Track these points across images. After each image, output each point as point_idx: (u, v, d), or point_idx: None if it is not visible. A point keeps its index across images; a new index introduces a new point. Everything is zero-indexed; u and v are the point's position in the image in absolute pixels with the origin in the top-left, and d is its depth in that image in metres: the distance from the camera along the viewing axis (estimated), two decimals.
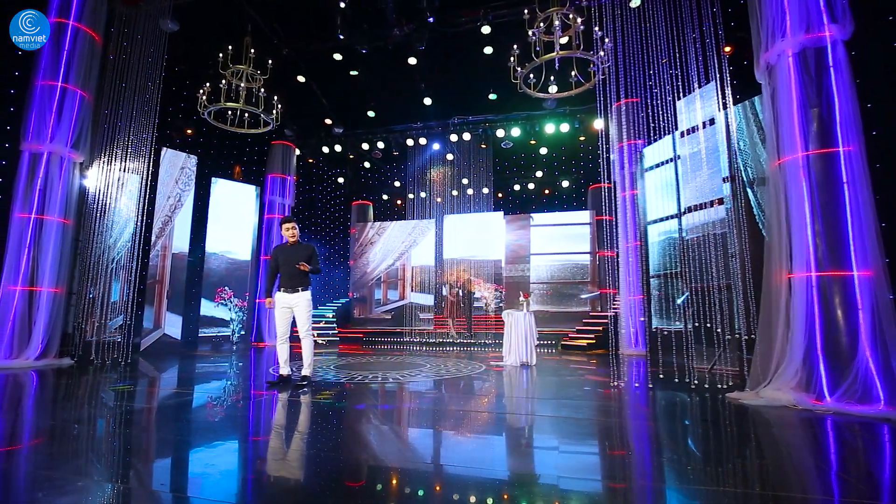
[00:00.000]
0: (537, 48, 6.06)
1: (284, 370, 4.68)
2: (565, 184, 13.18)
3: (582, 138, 10.81)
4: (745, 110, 5.16)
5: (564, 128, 10.05)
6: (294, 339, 4.76)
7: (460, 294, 10.91)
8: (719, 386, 4.49)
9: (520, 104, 9.97)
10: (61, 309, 6.51)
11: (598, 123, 9.68)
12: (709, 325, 5.83)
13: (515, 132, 10.35)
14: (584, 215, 11.62)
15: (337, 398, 4.12)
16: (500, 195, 13.22)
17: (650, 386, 4.70)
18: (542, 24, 6.10)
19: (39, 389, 4.62)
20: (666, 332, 7.04)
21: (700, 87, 5.46)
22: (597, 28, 5.62)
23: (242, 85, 7.34)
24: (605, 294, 11.51)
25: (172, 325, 8.18)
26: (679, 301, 6.59)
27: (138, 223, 7.22)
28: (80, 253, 7.02)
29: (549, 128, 10.14)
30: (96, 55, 6.93)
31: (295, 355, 4.91)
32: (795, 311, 3.83)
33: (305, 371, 4.63)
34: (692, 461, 2.41)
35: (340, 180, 13.94)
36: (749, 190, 4.96)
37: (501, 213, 12.11)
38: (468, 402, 4.10)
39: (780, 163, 4.10)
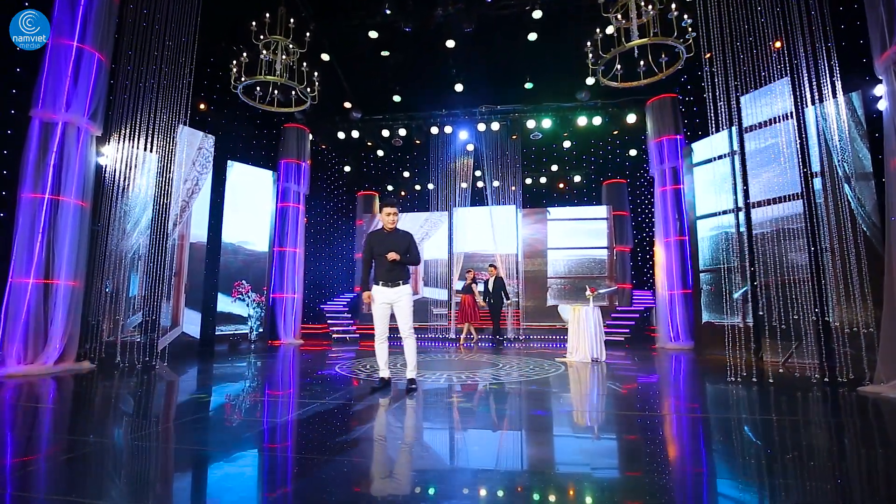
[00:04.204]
0: (613, 34, 5.90)
1: (385, 372, 4.22)
2: (577, 178, 13.17)
3: (615, 132, 10.77)
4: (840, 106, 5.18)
5: (596, 121, 9.94)
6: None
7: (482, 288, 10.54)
8: (840, 379, 4.45)
9: (552, 95, 9.77)
10: (80, 305, 5.65)
11: (631, 118, 9.69)
12: (776, 318, 5.89)
13: (546, 124, 10.14)
14: (601, 210, 11.61)
15: (464, 400, 3.74)
16: (513, 188, 12.99)
17: (770, 381, 4.59)
18: (614, 10, 5.92)
19: (130, 404, 3.91)
20: (719, 326, 7.12)
21: (783, 77, 5.47)
22: (686, 16, 5.48)
23: (284, 58, 6.67)
24: (621, 289, 11.59)
25: (191, 323, 7.35)
26: (737, 295, 6.62)
27: (162, 207, 6.41)
28: (94, 241, 6.11)
29: (580, 121, 9.99)
30: (113, 14, 6.03)
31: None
32: None
33: (411, 374, 4.19)
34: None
35: (347, 168, 13.21)
36: (846, 185, 4.99)
37: (514, 206, 11.89)
38: (606, 404, 3.84)
39: None
